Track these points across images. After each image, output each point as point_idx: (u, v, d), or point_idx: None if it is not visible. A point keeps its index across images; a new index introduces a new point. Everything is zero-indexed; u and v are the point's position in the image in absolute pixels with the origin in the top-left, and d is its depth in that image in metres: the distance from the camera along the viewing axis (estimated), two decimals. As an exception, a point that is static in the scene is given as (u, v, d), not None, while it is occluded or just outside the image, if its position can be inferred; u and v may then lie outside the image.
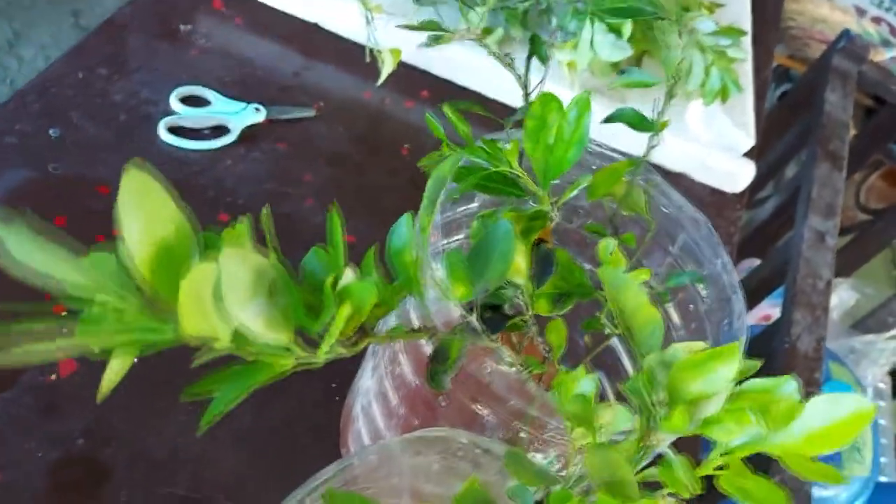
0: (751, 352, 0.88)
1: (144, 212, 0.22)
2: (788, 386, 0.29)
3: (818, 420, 0.28)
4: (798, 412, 0.28)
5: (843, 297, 1.35)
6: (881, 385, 1.31)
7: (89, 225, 0.47)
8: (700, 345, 0.28)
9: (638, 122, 0.42)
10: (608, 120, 0.42)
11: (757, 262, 1.11)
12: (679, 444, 0.28)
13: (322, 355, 0.25)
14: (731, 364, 0.28)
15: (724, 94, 0.70)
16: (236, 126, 0.64)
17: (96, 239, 0.23)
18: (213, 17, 0.72)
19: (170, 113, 0.63)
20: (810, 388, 0.73)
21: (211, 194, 0.61)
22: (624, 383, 0.31)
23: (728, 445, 0.28)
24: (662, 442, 0.29)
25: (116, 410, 0.49)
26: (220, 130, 0.64)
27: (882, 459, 1.26)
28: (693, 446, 0.62)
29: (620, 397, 0.50)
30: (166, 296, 0.24)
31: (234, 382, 0.25)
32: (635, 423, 0.29)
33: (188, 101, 0.65)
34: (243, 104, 0.66)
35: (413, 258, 0.29)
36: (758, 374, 0.86)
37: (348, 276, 0.26)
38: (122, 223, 0.22)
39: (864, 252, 1.37)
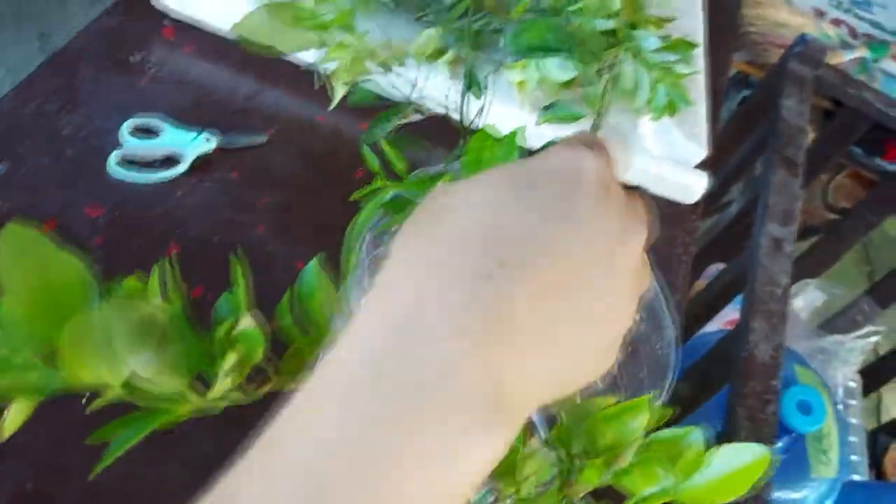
0: (713, 358, 0.89)
1: (25, 267, 0.22)
2: (695, 436, 0.29)
3: (721, 469, 0.28)
4: (703, 462, 0.28)
5: (811, 297, 1.36)
6: (851, 384, 1.33)
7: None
8: (612, 399, 0.29)
9: (570, 118, 0.43)
10: (544, 120, 0.43)
11: (723, 266, 1.13)
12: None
13: (216, 402, 0.25)
14: (640, 416, 0.28)
15: (671, 110, 0.70)
16: (188, 156, 0.65)
17: None
18: (165, 46, 0.72)
19: (120, 145, 0.63)
20: (768, 395, 0.73)
21: (162, 227, 0.61)
22: (551, 432, 0.32)
23: (641, 495, 0.29)
24: (581, 492, 0.29)
25: (67, 446, 0.49)
26: (171, 161, 0.65)
27: (853, 458, 1.27)
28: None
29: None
30: (54, 345, 0.24)
31: (130, 428, 0.25)
32: (555, 475, 0.29)
33: (139, 132, 0.65)
34: (194, 133, 0.66)
35: (320, 304, 0.30)
36: (719, 381, 0.87)
37: (244, 322, 0.26)
38: (3, 278, 0.23)
39: (832, 252, 1.38)
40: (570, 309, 0.23)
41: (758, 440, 0.71)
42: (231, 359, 0.25)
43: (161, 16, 0.73)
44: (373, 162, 0.42)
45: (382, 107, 0.48)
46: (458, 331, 0.21)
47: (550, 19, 0.38)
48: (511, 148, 0.37)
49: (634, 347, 0.45)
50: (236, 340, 0.26)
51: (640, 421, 0.27)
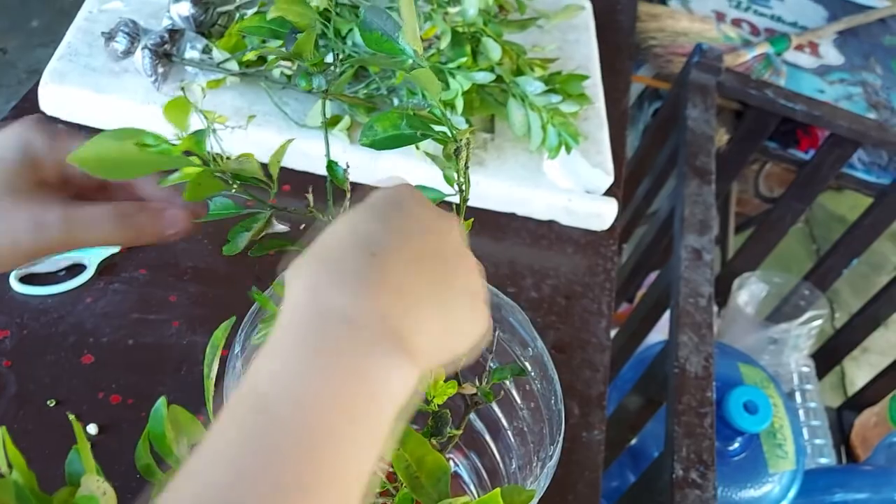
0: (650, 375, 0.90)
1: None
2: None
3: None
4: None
5: (754, 289, 1.39)
6: (805, 369, 1.35)
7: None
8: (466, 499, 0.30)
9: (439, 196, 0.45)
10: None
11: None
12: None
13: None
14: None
15: (566, 148, 0.72)
16: (92, 261, 0.65)
17: None
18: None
19: (21, 262, 0.63)
20: (704, 408, 0.75)
21: (73, 339, 0.61)
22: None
23: None
24: None
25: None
26: (75, 269, 0.64)
27: (818, 441, 1.29)
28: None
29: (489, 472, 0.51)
30: None
31: None
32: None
33: (40, 245, 0.65)
34: (97, 238, 0.66)
35: (173, 440, 0.30)
36: (658, 397, 0.88)
37: (86, 486, 0.27)
38: None
39: (766, 242, 1.41)
40: (432, 275, 0.31)
41: (699, 455, 0.72)
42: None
43: (53, 121, 0.73)
44: (265, 303, 0.44)
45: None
46: (356, 297, 0.28)
47: (399, 109, 0.39)
48: None
49: (536, 405, 0.46)
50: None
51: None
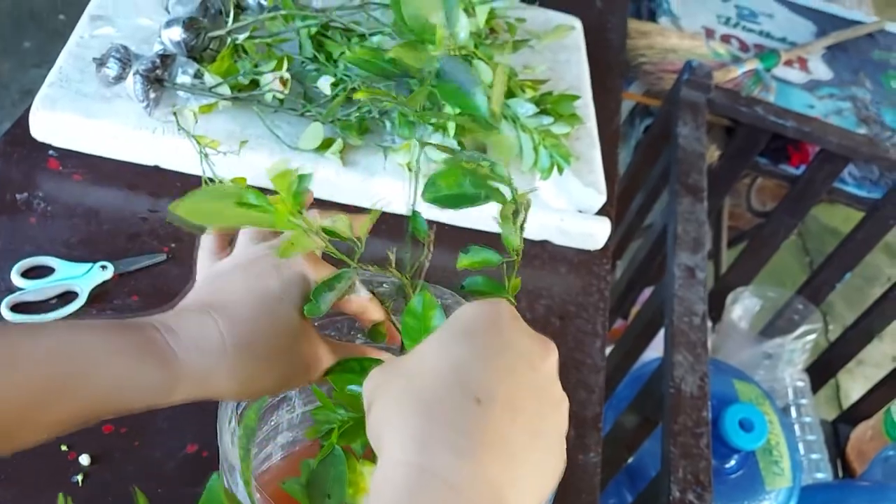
0: (646, 394, 0.90)
1: None
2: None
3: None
4: None
5: (747, 304, 1.39)
6: (799, 383, 1.35)
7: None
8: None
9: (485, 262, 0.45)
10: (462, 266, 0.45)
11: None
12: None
13: None
14: None
15: (558, 169, 0.72)
16: (84, 289, 0.64)
17: None
18: (52, 179, 0.72)
19: (12, 290, 0.63)
20: (700, 428, 0.75)
21: (63, 366, 0.61)
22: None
23: None
24: None
25: None
26: (67, 297, 0.64)
27: (814, 456, 1.29)
28: None
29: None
30: None
31: None
32: None
33: (31, 272, 0.64)
34: (88, 265, 0.66)
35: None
36: (654, 417, 0.88)
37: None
38: None
39: (759, 256, 1.41)
40: (530, 422, 0.31)
41: (696, 476, 0.72)
42: None
43: (45, 147, 0.73)
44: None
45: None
46: (461, 457, 0.28)
47: (463, 172, 0.40)
48: (431, 308, 0.40)
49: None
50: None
51: None
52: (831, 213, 2.34)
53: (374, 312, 0.46)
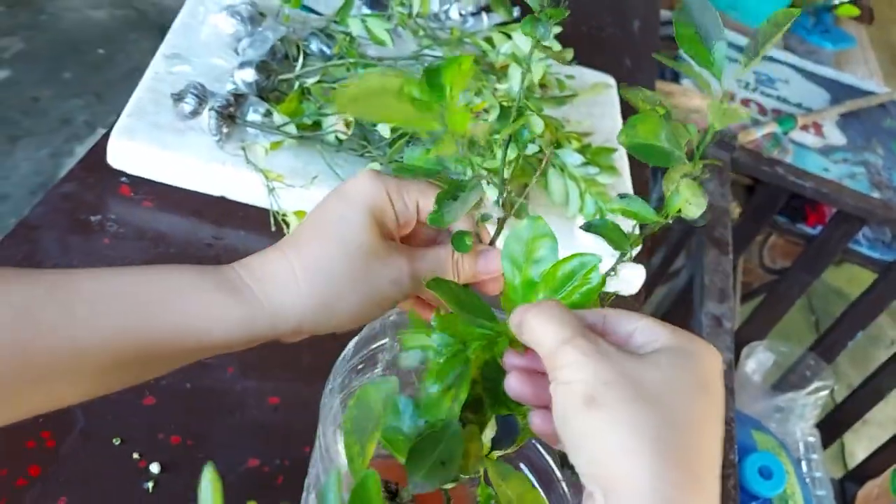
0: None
1: None
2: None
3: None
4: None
5: (761, 358, 1.42)
6: (810, 439, 1.38)
7: None
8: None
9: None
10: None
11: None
12: None
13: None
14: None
15: (601, 215, 0.77)
16: (154, 308, 0.68)
17: None
18: (123, 204, 0.76)
19: (88, 305, 0.67)
20: (727, 470, 0.78)
21: (135, 380, 0.64)
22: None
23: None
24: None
25: None
26: (138, 314, 0.68)
27: (824, 510, 1.31)
28: None
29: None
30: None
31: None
32: None
33: (105, 290, 0.68)
34: (159, 285, 0.69)
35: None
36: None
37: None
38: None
39: (774, 312, 1.45)
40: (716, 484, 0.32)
41: (722, 515, 0.74)
42: None
43: (118, 174, 0.77)
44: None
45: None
46: None
47: (661, 123, 0.40)
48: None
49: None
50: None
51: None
52: (836, 274, 2.39)
53: (494, 261, 0.44)
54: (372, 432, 0.32)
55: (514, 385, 0.37)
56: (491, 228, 0.47)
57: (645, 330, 0.36)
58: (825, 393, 1.40)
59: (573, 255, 0.38)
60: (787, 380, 1.44)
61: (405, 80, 0.35)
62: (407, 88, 0.35)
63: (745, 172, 1.18)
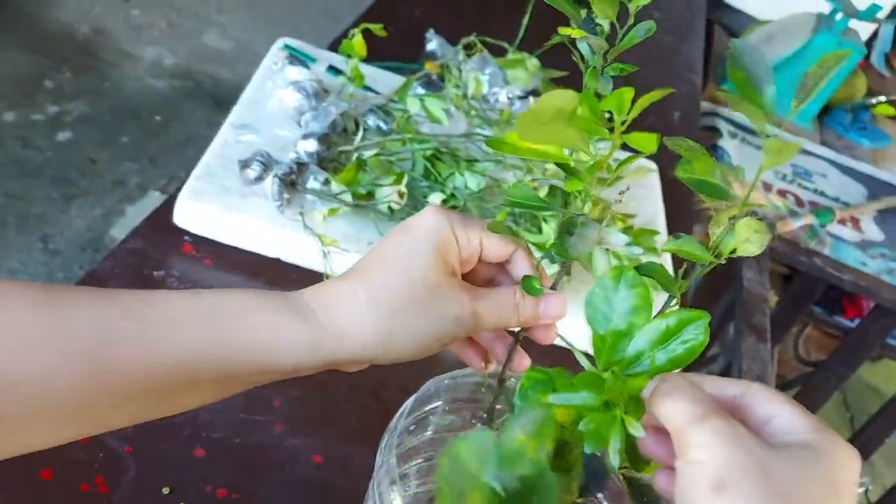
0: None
1: None
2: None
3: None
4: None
5: (796, 451, 1.40)
6: (847, 537, 1.34)
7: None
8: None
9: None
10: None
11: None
12: None
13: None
14: None
15: (644, 295, 0.79)
16: (209, 362, 0.70)
17: None
18: (185, 261, 0.80)
19: (147, 356, 0.69)
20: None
21: (187, 431, 0.66)
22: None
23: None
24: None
25: None
26: (194, 367, 0.70)
27: None
28: None
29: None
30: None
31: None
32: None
33: (164, 342, 0.71)
34: (215, 340, 0.72)
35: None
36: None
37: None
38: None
39: (808, 405, 1.43)
40: None
41: None
42: None
43: (182, 233, 0.81)
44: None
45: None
46: None
47: (714, 163, 0.41)
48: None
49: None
50: None
51: None
52: (873, 371, 2.35)
53: (557, 306, 0.44)
54: (470, 493, 0.30)
55: (651, 445, 0.37)
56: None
57: (787, 417, 0.35)
58: (860, 491, 1.36)
59: (673, 311, 0.39)
60: (823, 475, 1.41)
61: (581, 95, 0.37)
62: (581, 105, 0.36)
63: (782, 261, 1.20)
